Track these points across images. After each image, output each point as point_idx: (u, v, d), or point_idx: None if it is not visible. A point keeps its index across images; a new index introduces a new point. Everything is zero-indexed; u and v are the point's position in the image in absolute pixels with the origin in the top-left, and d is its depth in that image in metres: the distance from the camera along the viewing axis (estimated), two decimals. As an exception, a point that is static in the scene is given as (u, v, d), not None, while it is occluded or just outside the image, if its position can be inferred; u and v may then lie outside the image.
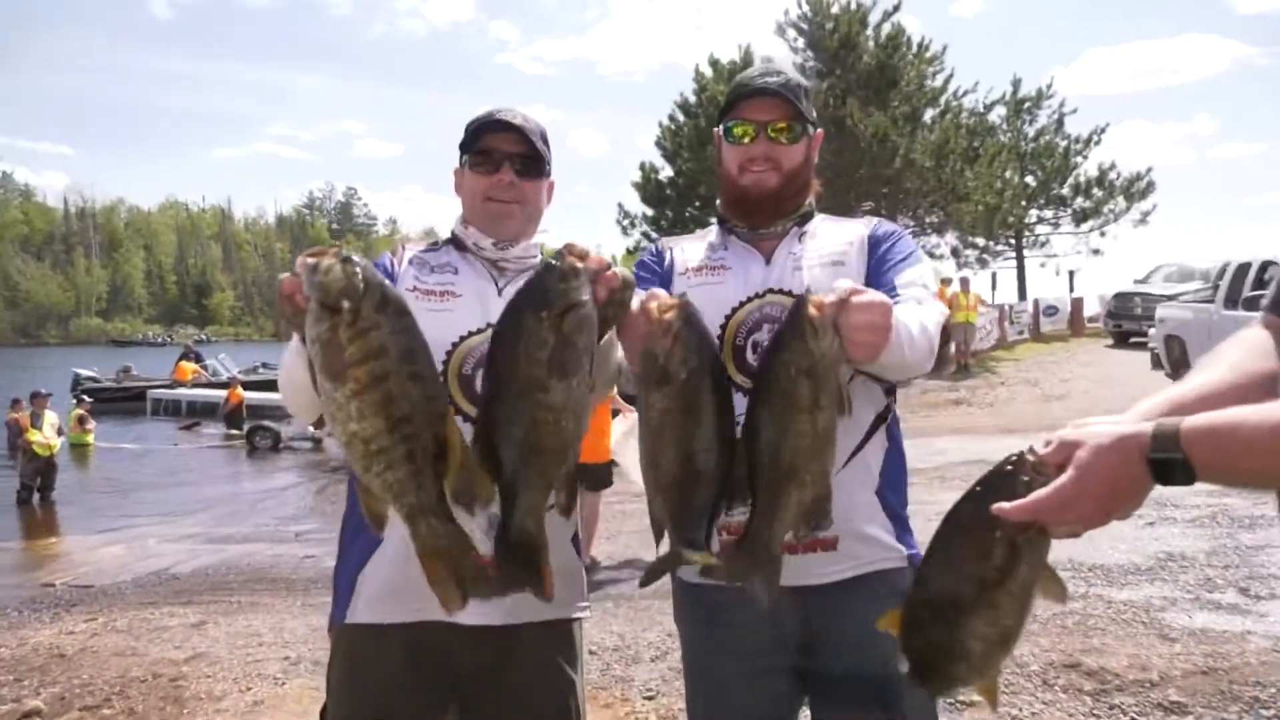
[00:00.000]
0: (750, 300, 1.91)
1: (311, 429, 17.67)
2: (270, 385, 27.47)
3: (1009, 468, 1.32)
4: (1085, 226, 31.84)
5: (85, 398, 20.41)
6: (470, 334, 1.90)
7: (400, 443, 1.45)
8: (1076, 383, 16.24)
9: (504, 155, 1.98)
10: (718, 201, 2.08)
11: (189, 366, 28.03)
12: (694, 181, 24.58)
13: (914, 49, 25.19)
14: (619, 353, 1.81)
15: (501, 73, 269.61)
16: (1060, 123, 31.17)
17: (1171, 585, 5.57)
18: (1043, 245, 33.16)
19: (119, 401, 26.14)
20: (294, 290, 1.49)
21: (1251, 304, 10.06)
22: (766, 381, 1.59)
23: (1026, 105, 31.26)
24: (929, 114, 25.69)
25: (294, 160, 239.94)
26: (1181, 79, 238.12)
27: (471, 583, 1.57)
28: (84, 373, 28.63)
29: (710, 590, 1.90)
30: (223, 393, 22.03)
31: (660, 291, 1.64)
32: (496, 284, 1.98)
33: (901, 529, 1.94)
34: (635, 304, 1.63)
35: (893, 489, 1.93)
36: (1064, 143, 30.97)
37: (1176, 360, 12.46)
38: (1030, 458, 1.31)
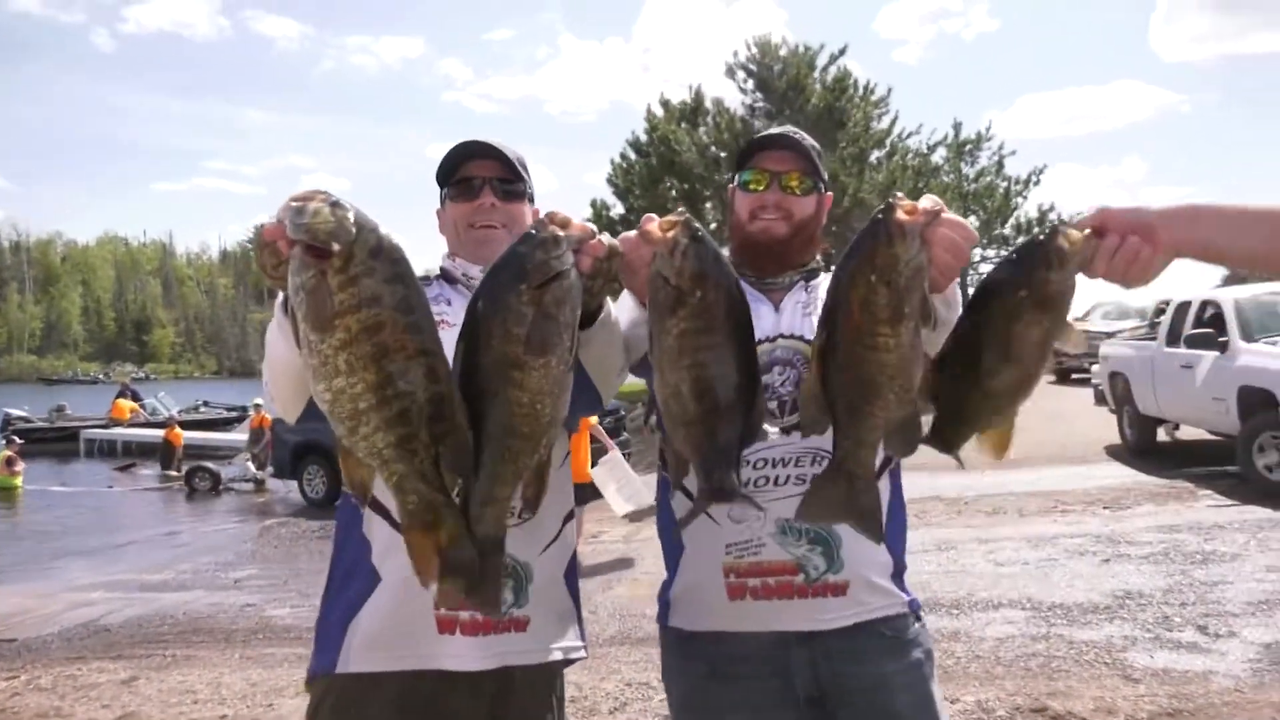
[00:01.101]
0: (761, 343, 1.84)
1: (253, 469, 17.20)
2: (212, 425, 26.99)
3: (1041, 236, 1.43)
4: (1026, 265, 32.65)
5: (15, 438, 19.63)
6: None
7: (393, 400, 1.31)
8: (1022, 418, 16.30)
9: (484, 180, 1.92)
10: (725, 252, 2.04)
11: (126, 405, 27.15)
12: (645, 219, 24.66)
13: (860, 92, 25.72)
14: (619, 344, 1.70)
15: (451, 109, 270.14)
16: (1000, 164, 32.04)
17: (1131, 624, 5.55)
18: (986, 283, 33.94)
19: (52, 442, 25.22)
20: (276, 236, 1.34)
21: (1193, 341, 10.27)
22: (845, 289, 1.43)
23: (968, 148, 32.08)
24: (875, 155, 26.18)
25: (239, 195, 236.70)
26: (1111, 124, 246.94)
27: (456, 562, 1.41)
28: (15, 412, 27.56)
29: (710, 643, 1.87)
30: (160, 433, 21.32)
31: (654, 216, 1.52)
32: None
33: (901, 575, 1.94)
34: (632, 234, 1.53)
35: (895, 535, 1.91)
36: (1004, 184, 31.81)
37: (1120, 396, 12.63)
38: (1060, 226, 1.43)
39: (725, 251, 1.94)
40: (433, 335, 1.37)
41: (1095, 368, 14.42)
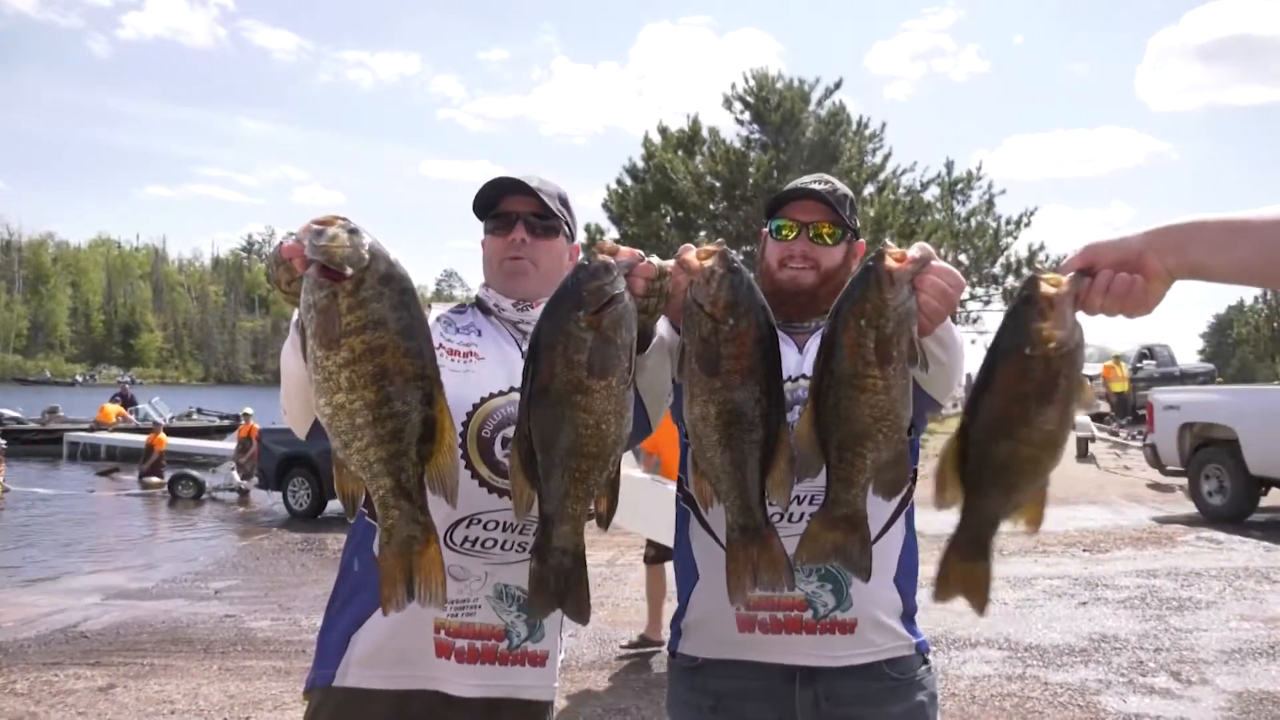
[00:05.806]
0: (785, 382, 1.89)
1: (238, 478, 17.12)
2: (205, 432, 26.69)
3: (1025, 290, 1.39)
4: (1015, 305, 32.84)
5: (-1, 439, 19.44)
6: (492, 395, 1.87)
7: (387, 419, 1.41)
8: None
9: (517, 216, 1.99)
10: None
11: (113, 409, 26.89)
12: (638, 244, 24.78)
13: (854, 126, 25.99)
14: (668, 368, 1.74)
15: (445, 126, 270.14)
16: (990, 204, 32.30)
17: (1105, 668, 5.62)
18: (974, 322, 34.04)
19: (40, 444, 24.92)
20: (293, 255, 1.44)
21: None
22: (836, 333, 1.50)
23: (959, 186, 32.35)
24: (868, 189, 26.41)
25: (233, 203, 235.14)
26: (1099, 169, 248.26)
27: (425, 584, 1.48)
28: (7, 413, 27.37)
29: (716, 672, 1.91)
30: (145, 438, 21.06)
31: (691, 246, 1.59)
32: (519, 346, 1.94)
33: (911, 617, 1.97)
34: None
35: (907, 576, 1.95)
36: (994, 223, 32.06)
37: (1196, 454, 10.52)
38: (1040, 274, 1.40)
39: None
40: (431, 361, 1.46)
41: (1160, 415, 11.32)
